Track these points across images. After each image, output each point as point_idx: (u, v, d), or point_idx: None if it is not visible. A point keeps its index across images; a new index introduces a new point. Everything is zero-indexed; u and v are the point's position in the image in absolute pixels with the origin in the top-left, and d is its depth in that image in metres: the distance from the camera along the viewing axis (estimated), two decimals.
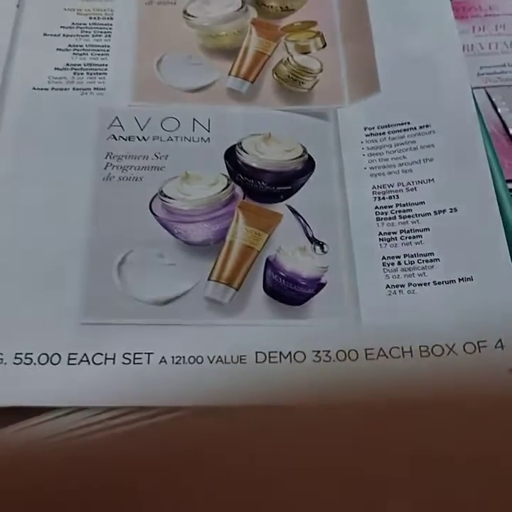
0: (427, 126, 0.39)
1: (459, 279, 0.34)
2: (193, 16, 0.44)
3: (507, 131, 0.57)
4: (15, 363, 0.32)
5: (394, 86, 0.40)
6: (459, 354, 0.32)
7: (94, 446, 0.30)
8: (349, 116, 0.40)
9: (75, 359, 0.32)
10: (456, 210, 0.36)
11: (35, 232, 0.35)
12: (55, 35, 0.42)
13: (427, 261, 0.35)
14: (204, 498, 0.19)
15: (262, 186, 0.37)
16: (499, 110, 0.58)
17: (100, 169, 0.37)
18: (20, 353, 0.32)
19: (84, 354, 0.32)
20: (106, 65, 0.41)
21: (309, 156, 0.38)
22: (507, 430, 0.25)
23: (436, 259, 0.35)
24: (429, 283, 0.34)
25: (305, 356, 0.32)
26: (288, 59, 0.42)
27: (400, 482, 0.19)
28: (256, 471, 0.19)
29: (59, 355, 0.32)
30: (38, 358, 0.32)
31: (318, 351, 0.32)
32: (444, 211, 0.36)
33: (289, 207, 0.37)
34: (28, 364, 0.32)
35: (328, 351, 0.32)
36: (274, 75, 0.42)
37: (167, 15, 0.44)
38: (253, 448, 0.20)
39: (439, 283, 0.34)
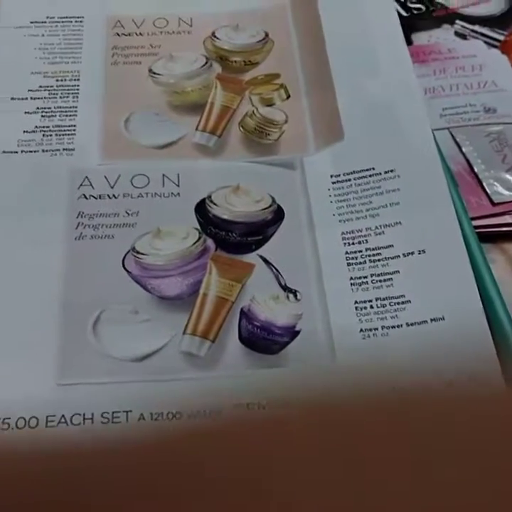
0: (391, 171, 0.40)
1: (431, 320, 0.34)
2: (158, 74, 0.45)
3: (472, 169, 0.59)
4: None
5: (357, 133, 0.41)
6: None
7: None
8: (315, 165, 0.41)
9: (53, 422, 0.32)
10: (424, 251, 0.37)
11: (9, 293, 0.35)
12: (22, 98, 0.43)
13: (398, 303, 0.35)
14: None
15: (234, 237, 0.38)
16: (463, 149, 0.60)
17: (72, 229, 0.38)
18: None
19: (63, 415, 0.32)
20: (74, 126, 0.42)
21: (278, 205, 0.39)
22: None
23: (407, 301, 0.35)
24: (401, 325, 0.35)
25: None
26: (253, 112, 0.43)
27: None
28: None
29: (36, 418, 0.32)
30: (16, 423, 0.31)
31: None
32: (412, 253, 0.37)
33: (261, 256, 0.37)
34: (5, 429, 0.31)
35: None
36: (241, 128, 0.43)
37: (133, 74, 0.45)
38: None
39: (411, 324, 0.35)
